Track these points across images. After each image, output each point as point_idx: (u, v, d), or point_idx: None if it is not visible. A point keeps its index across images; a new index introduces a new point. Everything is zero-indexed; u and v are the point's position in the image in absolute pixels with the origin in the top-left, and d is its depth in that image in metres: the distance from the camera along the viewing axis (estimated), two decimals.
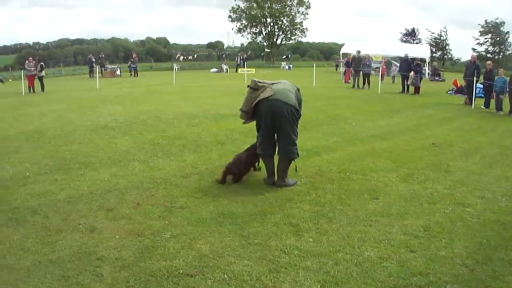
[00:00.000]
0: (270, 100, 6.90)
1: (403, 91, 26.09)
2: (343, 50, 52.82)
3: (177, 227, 5.48)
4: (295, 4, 72.56)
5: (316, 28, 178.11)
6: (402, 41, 79.24)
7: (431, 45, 75.28)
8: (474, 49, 72.88)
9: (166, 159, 8.82)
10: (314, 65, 33.48)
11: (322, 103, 18.63)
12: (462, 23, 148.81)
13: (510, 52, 74.80)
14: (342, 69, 45.66)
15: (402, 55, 29.63)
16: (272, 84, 7.15)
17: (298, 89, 7.27)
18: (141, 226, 5.48)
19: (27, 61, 25.60)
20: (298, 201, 6.53)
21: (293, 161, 7.34)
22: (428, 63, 47.37)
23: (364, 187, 7.30)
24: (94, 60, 38.66)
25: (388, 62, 45.63)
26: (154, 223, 5.58)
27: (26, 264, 4.55)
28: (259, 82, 7.15)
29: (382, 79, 36.77)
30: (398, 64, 38.18)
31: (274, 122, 6.98)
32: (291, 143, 7.05)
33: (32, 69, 25.06)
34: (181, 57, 61.36)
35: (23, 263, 4.58)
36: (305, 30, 74.89)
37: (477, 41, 74.72)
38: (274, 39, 74.87)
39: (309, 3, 72.39)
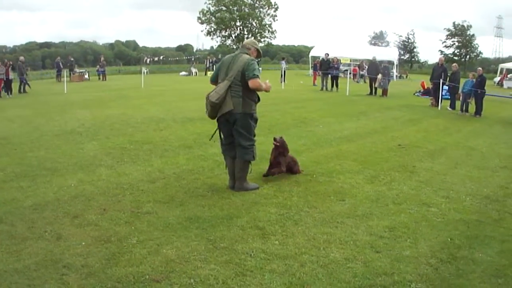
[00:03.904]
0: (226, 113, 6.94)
1: (371, 93, 26.42)
2: (312, 53, 53.30)
3: (143, 232, 5.47)
4: (263, 5, 72.69)
5: (286, 31, 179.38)
6: (371, 43, 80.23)
7: (399, 47, 76.39)
8: (441, 52, 74.21)
9: (133, 164, 8.79)
10: (283, 68, 33.60)
11: (290, 106, 18.80)
12: (428, 26, 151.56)
13: (475, 54, 76.33)
14: (310, 71, 46.06)
15: (370, 57, 30.03)
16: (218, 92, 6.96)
17: (243, 70, 6.88)
18: (108, 232, 5.45)
19: None
20: (264, 204, 6.58)
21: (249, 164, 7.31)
22: (396, 65, 48.06)
23: (331, 189, 7.40)
24: (62, 63, 38.09)
25: (361, 65, 46.17)
26: (120, 229, 5.56)
27: None
28: (211, 98, 7.09)
29: (355, 78, 37.03)
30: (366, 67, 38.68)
31: (230, 129, 7.06)
32: (246, 146, 7.05)
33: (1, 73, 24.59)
34: (148, 60, 60.93)
35: None
36: (274, 32, 75.03)
37: (444, 43, 76.11)
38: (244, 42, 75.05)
39: (277, 5, 72.61)
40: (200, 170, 8.39)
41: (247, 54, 7.11)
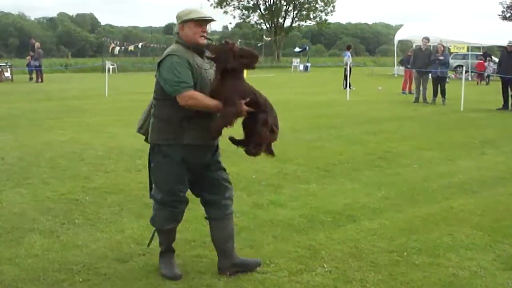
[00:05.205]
0: None
1: (505, 106, 26.19)
2: (399, 36, 53.44)
3: None
4: None
5: (353, 2, 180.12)
6: (505, 18, 79.99)
7: None
8: None
9: (90, 229, 8.84)
10: (348, 63, 33.62)
11: (362, 129, 18.96)
12: None
13: None
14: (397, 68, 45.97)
15: (504, 43, 29.82)
16: None
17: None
18: None
19: None
20: None
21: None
22: None
23: (435, 278, 7.32)
24: None
25: (485, 54, 45.88)
26: None
27: None
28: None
29: (479, 81, 36.54)
30: (495, 60, 38.45)
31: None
32: (154, 200, 7.28)
33: None
34: (117, 48, 61.66)
35: None
36: (331, 2, 75.27)
37: None
38: (280, 19, 75.16)
39: None
40: (205, 240, 8.36)
41: (177, 42, 7.04)
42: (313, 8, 74.92)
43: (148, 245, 7.52)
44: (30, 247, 8.04)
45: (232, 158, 10.29)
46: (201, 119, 6.68)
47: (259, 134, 6.74)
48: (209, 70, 6.81)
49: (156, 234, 7.31)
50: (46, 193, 10.79)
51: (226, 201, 7.21)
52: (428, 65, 28.70)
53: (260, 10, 74.55)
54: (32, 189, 11.08)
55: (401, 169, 13.38)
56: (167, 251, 7.30)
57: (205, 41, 6.88)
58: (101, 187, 11.18)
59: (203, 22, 6.90)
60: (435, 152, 15.51)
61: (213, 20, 7.02)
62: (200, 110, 6.63)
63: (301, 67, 62.99)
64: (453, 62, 40.22)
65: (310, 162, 13.65)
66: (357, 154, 14.62)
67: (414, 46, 36.20)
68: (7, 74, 39.93)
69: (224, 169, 7.32)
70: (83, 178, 11.87)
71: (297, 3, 74.04)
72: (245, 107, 6.57)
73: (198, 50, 6.84)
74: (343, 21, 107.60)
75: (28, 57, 41.12)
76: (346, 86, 31.59)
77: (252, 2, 73.96)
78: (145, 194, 10.65)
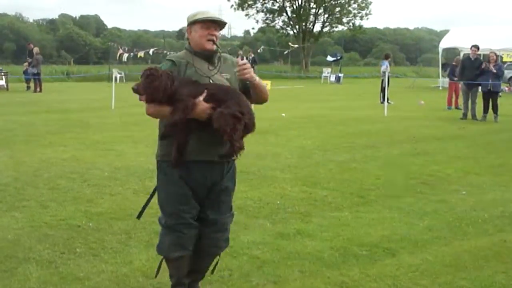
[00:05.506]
0: None
1: None
2: (444, 44, 53.29)
3: None
4: None
5: (391, 4, 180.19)
6: None
7: None
8: None
9: (94, 260, 8.80)
10: (386, 74, 33.55)
11: (401, 150, 18.94)
12: None
13: None
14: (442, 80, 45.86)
15: None
16: None
17: None
18: None
19: None
20: None
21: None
22: None
23: None
24: None
25: None
26: None
27: None
28: None
29: None
30: None
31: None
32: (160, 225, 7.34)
33: None
34: (125, 55, 61.86)
35: None
36: (367, 5, 75.25)
37: None
38: (308, 24, 75.03)
39: None
40: (222, 274, 8.34)
41: (186, 48, 7.15)
42: (346, 11, 74.64)
43: (156, 275, 7.45)
44: (25, 279, 8.02)
45: (254, 182, 10.29)
46: (198, 133, 6.67)
47: (222, 129, 6.52)
48: (216, 76, 6.77)
49: (166, 265, 7.27)
50: (44, 218, 10.77)
51: (212, 245, 7.23)
52: (477, 77, 28.47)
53: (287, 13, 74.24)
54: (29, 213, 11.07)
55: (447, 196, 13.23)
56: (178, 285, 7.25)
57: (213, 46, 6.83)
58: (106, 212, 11.16)
59: (210, 24, 6.83)
60: (486, 176, 15.38)
61: (222, 21, 6.95)
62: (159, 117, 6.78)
63: (333, 77, 62.92)
64: (507, 73, 39.94)
65: (342, 186, 13.58)
66: (396, 178, 14.56)
67: (461, 55, 35.98)
68: (2, 82, 39.99)
69: (227, 204, 7.25)
70: (86, 202, 11.87)
71: (328, 5, 73.73)
72: (204, 104, 6.49)
73: (205, 55, 6.86)
74: (380, 26, 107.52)
75: (26, 64, 41.16)
76: (384, 100, 31.40)
77: (277, 5, 73.71)
78: (156, 221, 10.66)
